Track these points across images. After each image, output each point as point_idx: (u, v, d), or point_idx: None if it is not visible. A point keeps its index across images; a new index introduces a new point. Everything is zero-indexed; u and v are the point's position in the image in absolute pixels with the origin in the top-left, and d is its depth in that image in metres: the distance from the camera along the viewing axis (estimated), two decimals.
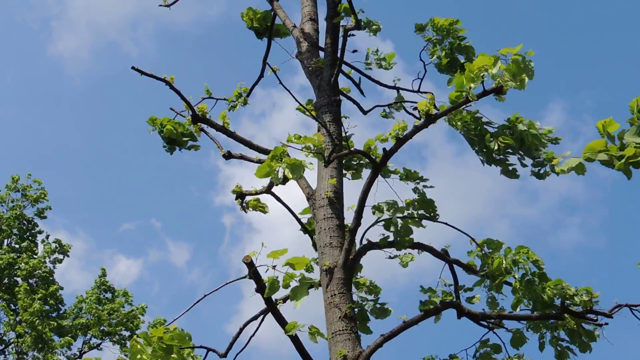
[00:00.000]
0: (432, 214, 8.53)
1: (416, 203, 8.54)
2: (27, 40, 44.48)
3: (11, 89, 43.30)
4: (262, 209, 9.47)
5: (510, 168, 8.74)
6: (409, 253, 8.62)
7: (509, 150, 8.59)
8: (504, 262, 8.11)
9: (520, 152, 8.59)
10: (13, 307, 23.22)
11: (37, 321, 21.73)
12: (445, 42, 10.15)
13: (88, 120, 45.05)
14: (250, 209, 9.47)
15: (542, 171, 8.67)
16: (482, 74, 6.69)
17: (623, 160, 5.41)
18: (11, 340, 23.29)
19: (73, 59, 45.30)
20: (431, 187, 8.76)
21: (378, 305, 9.05)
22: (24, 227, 24.72)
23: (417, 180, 8.77)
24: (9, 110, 42.74)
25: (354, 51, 10.61)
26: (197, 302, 7.70)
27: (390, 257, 8.66)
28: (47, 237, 24.97)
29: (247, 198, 9.27)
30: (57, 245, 24.85)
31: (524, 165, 8.71)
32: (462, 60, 10.06)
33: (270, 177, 7.70)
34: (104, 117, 44.41)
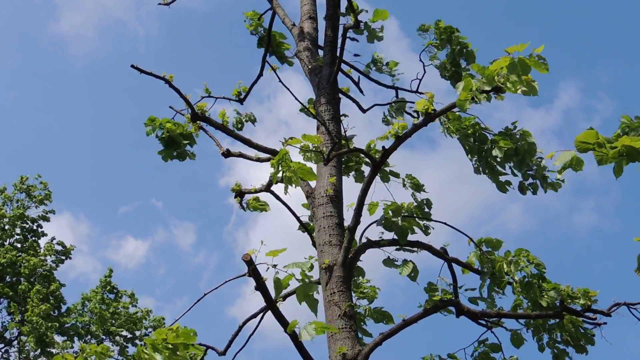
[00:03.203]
0: (424, 227, 8.56)
1: (411, 210, 8.58)
2: (30, 18, 43.23)
3: (13, 69, 42.43)
4: (263, 208, 9.46)
5: (503, 179, 8.77)
6: (410, 261, 8.60)
7: (507, 158, 8.63)
8: (505, 265, 8.12)
9: (515, 161, 8.64)
10: (18, 307, 23.17)
11: (41, 322, 21.70)
12: (447, 49, 10.15)
13: (91, 103, 44.00)
14: (251, 209, 9.47)
15: (529, 184, 8.71)
16: (495, 78, 6.64)
17: (617, 149, 5.27)
18: (14, 339, 23.25)
19: (77, 38, 44.34)
20: (428, 200, 8.80)
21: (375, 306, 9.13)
22: (27, 227, 24.63)
23: (418, 190, 8.83)
24: (11, 92, 42.08)
25: (356, 55, 10.63)
26: (198, 301, 7.70)
27: (388, 259, 8.65)
28: (52, 239, 24.85)
29: (247, 196, 9.28)
30: (61, 247, 24.73)
31: (515, 175, 8.75)
32: (464, 66, 10.06)
33: (271, 176, 7.71)
34: (107, 99, 43.48)
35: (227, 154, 9.33)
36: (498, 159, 8.58)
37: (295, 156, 7.27)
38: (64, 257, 24.71)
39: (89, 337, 23.65)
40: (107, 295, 24.83)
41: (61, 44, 44.21)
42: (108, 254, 37.80)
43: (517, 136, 8.60)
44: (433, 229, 8.56)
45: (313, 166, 7.50)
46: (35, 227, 24.70)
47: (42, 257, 23.74)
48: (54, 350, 22.26)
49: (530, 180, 8.77)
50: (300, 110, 9.86)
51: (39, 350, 22.11)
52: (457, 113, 8.66)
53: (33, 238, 24.46)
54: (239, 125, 10.08)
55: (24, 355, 22.57)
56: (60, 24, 44.14)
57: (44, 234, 24.86)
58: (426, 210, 8.69)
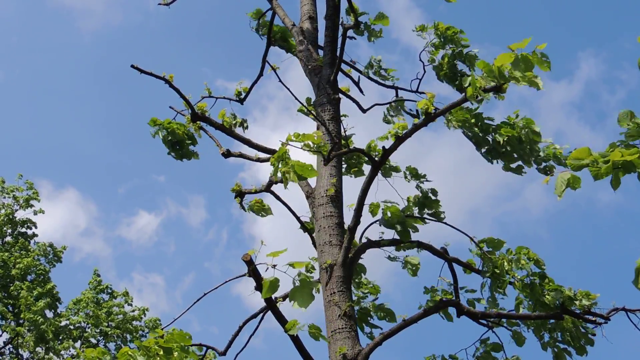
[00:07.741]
0: (436, 213, 8.57)
1: (419, 200, 8.59)
2: None
3: (15, 45, 41.26)
4: (265, 212, 9.45)
5: (515, 165, 8.76)
6: (414, 256, 8.62)
7: (511, 146, 8.62)
8: (506, 263, 8.13)
9: (521, 151, 8.64)
10: (10, 308, 23.11)
11: (41, 320, 21.62)
12: (447, 48, 9.99)
13: (94, 84, 42.07)
14: (253, 213, 9.46)
15: (546, 166, 8.73)
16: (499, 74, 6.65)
17: (609, 164, 5.36)
18: (8, 340, 23.17)
19: (84, 11, 42.67)
20: (433, 189, 8.82)
21: (378, 303, 9.14)
22: (17, 231, 24.55)
23: (421, 180, 8.83)
24: (15, 70, 41.28)
25: (353, 62, 10.61)
26: (198, 300, 7.75)
27: (390, 258, 8.68)
28: (36, 241, 24.76)
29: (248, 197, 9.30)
30: (50, 249, 24.60)
31: (528, 165, 8.76)
32: (462, 70, 9.95)
33: (270, 176, 7.74)
34: (110, 77, 42.05)
35: (227, 154, 9.36)
36: (499, 145, 8.58)
37: (297, 153, 7.30)
38: (55, 259, 24.60)
39: (83, 339, 23.45)
40: (101, 295, 24.59)
41: (67, 17, 42.73)
42: (119, 231, 37.53)
43: (520, 125, 8.59)
44: (443, 212, 8.53)
45: (313, 162, 7.50)
46: (24, 230, 24.58)
47: (35, 257, 23.62)
48: (51, 352, 22.20)
49: (544, 164, 8.78)
50: (299, 110, 9.85)
51: (41, 350, 22.03)
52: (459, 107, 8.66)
53: (24, 240, 24.33)
54: (244, 124, 10.00)
55: (20, 356, 22.49)
56: None
57: (35, 235, 24.76)
58: (433, 198, 8.71)
